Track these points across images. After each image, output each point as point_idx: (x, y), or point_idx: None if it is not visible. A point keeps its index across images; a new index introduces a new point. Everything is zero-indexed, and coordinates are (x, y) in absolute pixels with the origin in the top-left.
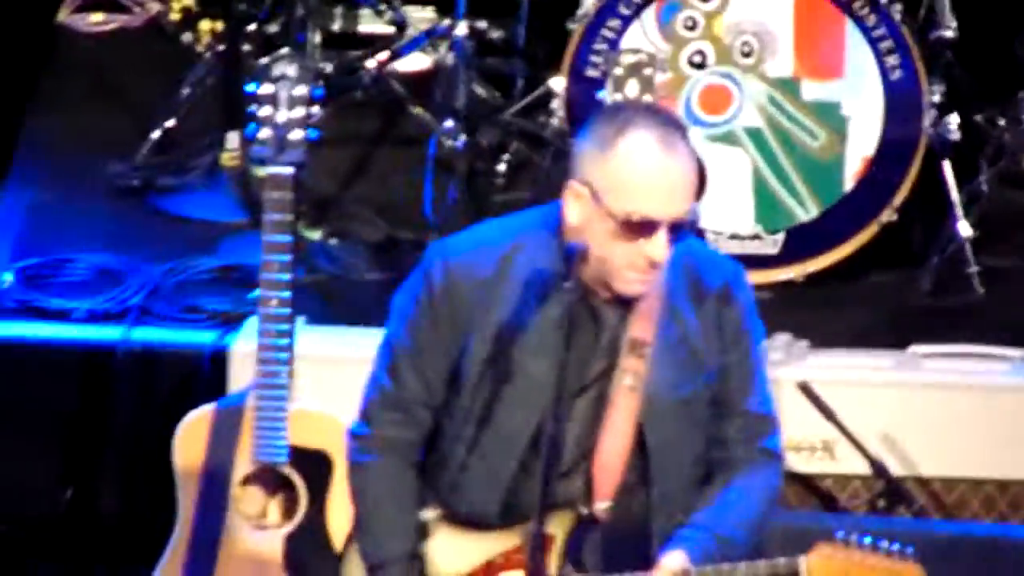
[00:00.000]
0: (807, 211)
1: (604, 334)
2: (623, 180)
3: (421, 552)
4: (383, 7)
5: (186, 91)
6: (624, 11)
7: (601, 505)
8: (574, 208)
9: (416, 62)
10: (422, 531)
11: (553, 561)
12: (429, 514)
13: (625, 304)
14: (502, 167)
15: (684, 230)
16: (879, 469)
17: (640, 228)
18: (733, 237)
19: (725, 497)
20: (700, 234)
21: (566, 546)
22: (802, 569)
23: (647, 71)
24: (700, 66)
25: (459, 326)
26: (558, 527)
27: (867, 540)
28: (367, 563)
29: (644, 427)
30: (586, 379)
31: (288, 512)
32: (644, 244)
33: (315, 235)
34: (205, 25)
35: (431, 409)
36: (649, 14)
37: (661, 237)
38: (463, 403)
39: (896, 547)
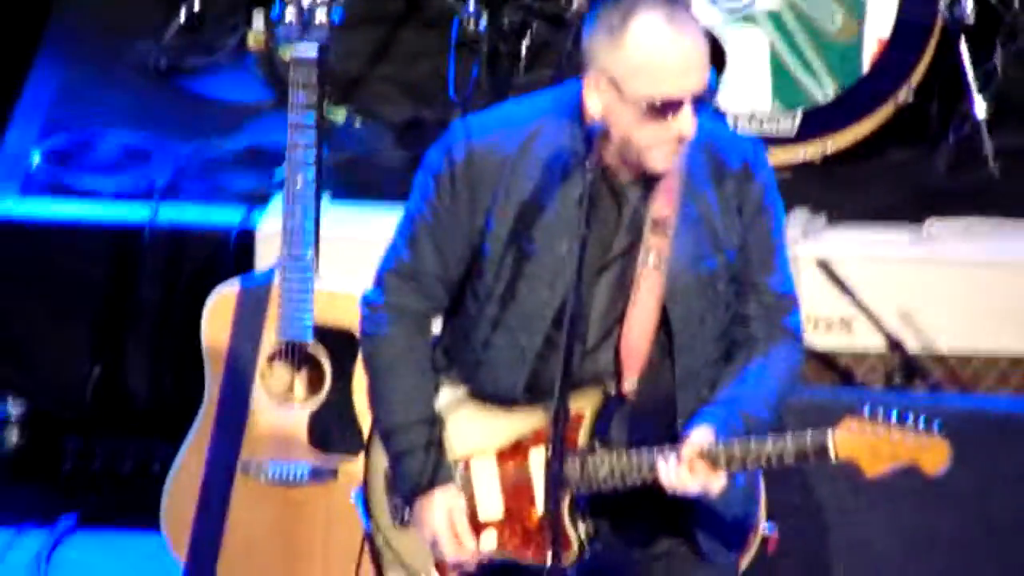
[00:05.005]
0: (825, 91)
1: (626, 211)
2: (640, 65)
3: (440, 417)
4: None
5: None
6: None
7: (629, 382)
8: (595, 99)
9: None
10: (447, 408)
11: (581, 437)
12: (456, 392)
13: (647, 182)
14: (524, 48)
15: (704, 102)
16: (895, 344)
17: (665, 109)
18: (752, 118)
19: (748, 374)
20: (721, 115)
21: (594, 422)
22: (830, 443)
23: None
24: None
25: (479, 203)
26: (587, 404)
27: (894, 414)
28: (381, 429)
29: (666, 303)
30: (608, 256)
31: (313, 389)
32: (671, 122)
33: (340, 115)
34: None
35: (445, 285)
36: None
37: (686, 113)
38: (487, 281)
39: (923, 421)
